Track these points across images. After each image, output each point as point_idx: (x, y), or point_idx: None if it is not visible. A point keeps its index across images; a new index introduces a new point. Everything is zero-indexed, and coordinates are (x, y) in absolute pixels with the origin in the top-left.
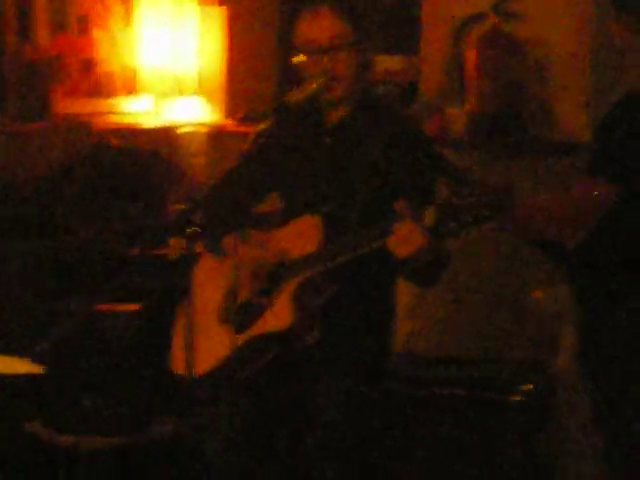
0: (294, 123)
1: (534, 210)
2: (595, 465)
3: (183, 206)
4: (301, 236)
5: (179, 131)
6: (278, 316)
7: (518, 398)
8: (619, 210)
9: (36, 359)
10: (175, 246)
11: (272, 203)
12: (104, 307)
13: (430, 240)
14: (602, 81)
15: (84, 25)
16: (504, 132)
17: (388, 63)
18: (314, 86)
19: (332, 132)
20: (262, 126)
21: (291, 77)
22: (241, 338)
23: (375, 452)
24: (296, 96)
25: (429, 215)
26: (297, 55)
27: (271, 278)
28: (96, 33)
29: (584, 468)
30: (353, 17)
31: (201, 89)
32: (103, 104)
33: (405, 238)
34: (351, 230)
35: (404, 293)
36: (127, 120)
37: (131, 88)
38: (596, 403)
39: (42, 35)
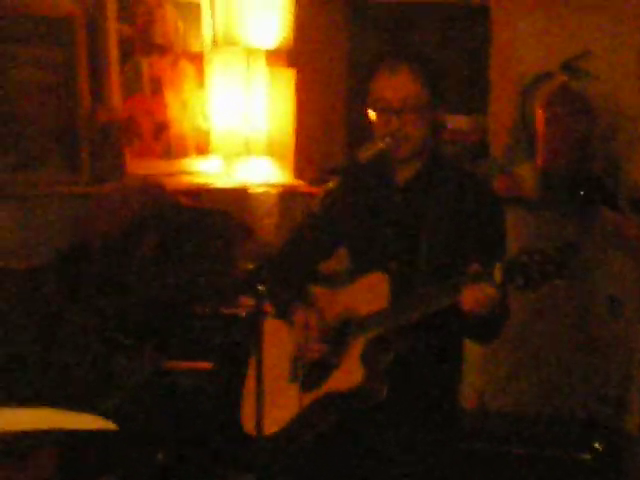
0: (363, 181)
1: None
2: None
3: (253, 265)
4: (368, 293)
5: (250, 191)
6: (347, 375)
7: (588, 457)
8: None
9: (108, 414)
10: (245, 304)
11: (340, 262)
12: (176, 364)
13: (498, 296)
14: None
15: (156, 87)
16: (575, 189)
17: (456, 123)
18: (381, 145)
19: (401, 190)
20: (330, 184)
21: (360, 137)
22: (310, 397)
23: None
24: (364, 154)
25: (497, 271)
26: (369, 110)
27: (339, 336)
28: (168, 95)
29: None
30: (431, 78)
31: (270, 150)
32: (175, 165)
33: (477, 298)
34: (418, 288)
35: (475, 350)
36: (198, 180)
37: (202, 149)
38: None
39: (115, 97)
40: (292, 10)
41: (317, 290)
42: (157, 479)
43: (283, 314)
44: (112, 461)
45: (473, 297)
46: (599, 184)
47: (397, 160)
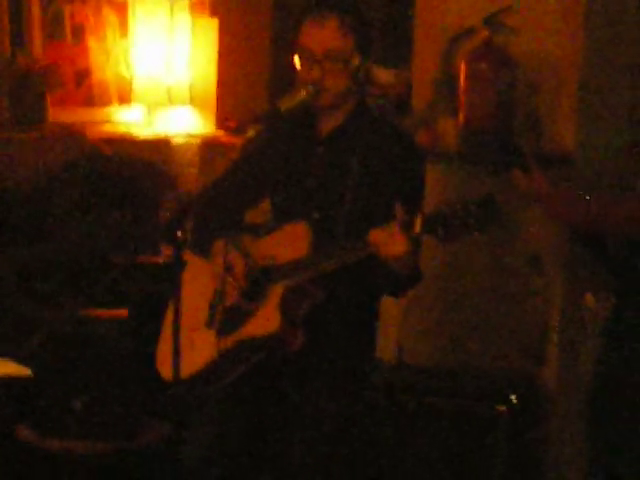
0: (286, 130)
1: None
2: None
3: (173, 214)
4: (289, 242)
5: (172, 141)
6: (264, 322)
7: (503, 409)
8: None
9: (23, 361)
10: (165, 253)
11: (264, 213)
12: (93, 311)
13: (414, 245)
14: (594, 95)
15: (79, 34)
16: (494, 145)
17: (383, 76)
18: (303, 94)
19: (324, 140)
20: (252, 132)
21: (284, 87)
22: (226, 342)
23: (363, 460)
24: (287, 103)
25: (417, 222)
26: (295, 58)
27: (257, 283)
28: (91, 43)
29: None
30: (357, 30)
31: (193, 100)
32: (96, 113)
33: (389, 240)
34: (339, 238)
35: (394, 304)
36: (120, 130)
37: (125, 98)
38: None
39: (36, 44)
40: None
41: (239, 237)
42: (73, 427)
43: (203, 252)
44: (28, 409)
45: (380, 237)
46: (511, 145)
47: (318, 109)
